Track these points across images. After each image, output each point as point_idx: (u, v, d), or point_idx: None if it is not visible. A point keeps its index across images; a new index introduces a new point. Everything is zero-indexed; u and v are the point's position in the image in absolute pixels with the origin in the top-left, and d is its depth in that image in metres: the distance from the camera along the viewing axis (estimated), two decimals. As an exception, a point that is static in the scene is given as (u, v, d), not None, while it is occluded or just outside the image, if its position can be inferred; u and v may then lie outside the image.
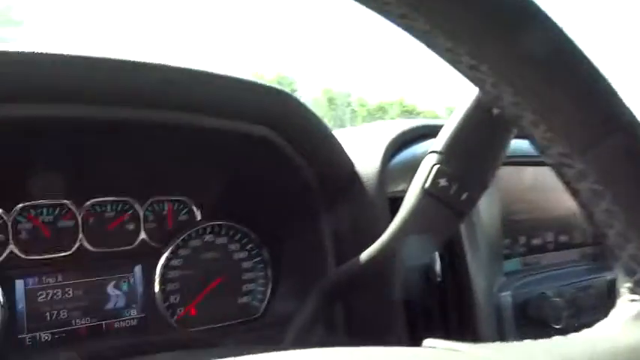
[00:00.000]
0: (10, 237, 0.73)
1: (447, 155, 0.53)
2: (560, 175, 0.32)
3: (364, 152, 0.80)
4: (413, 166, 0.68)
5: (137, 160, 0.77)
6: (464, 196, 0.52)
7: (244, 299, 0.90)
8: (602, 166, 0.30)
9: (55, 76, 0.53)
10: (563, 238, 0.99)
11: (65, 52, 0.54)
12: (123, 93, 0.57)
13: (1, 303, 0.70)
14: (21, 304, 0.73)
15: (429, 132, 0.88)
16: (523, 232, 0.91)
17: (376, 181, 0.77)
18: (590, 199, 0.31)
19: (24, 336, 0.73)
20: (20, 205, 0.74)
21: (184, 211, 0.88)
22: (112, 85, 0.56)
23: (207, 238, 0.89)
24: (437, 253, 0.76)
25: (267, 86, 0.67)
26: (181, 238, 0.84)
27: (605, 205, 0.31)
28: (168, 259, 0.84)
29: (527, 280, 0.87)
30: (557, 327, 0.81)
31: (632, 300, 0.33)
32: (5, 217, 0.73)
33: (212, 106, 0.64)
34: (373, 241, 0.66)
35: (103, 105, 0.57)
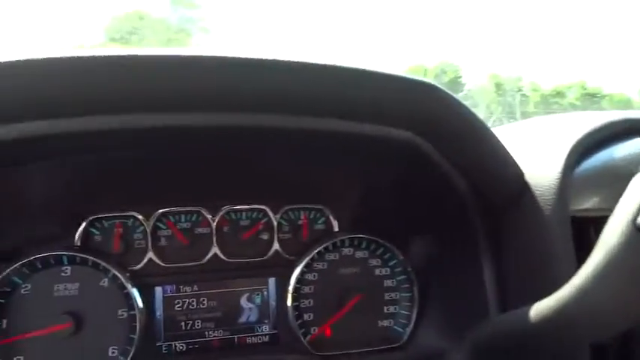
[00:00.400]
0: (150, 244, 0.73)
1: None
2: None
3: (539, 156, 0.62)
4: (610, 175, 0.49)
5: (273, 167, 0.70)
6: None
7: (385, 322, 0.79)
8: None
9: (197, 83, 0.48)
10: None
11: (209, 55, 0.48)
12: (262, 99, 0.50)
13: (141, 309, 0.70)
14: (159, 312, 0.73)
15: (632, 127, 0.66)
16: None
17: (555, 196, 0.58)
18: None
19: (161, 344, 0.72)
20: (159, 212, 0.74)
21: (320, 221, 0.80)
22: (252, 90, 0.49)
23: (346, 251, 0.80)
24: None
25: (415, 80, 0.54)
26: (317, 250, 0.77)
27: None
28: (302, 273, 0.77)
29: None
30: None
31: None
32: (145, 224, 0.73)
33: (351, 109, 0.53)
34: (549, 278, 0.50)
35: (241, 112, 0.51)
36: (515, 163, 0.61)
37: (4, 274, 0.66)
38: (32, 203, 0.65)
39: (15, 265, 0.66)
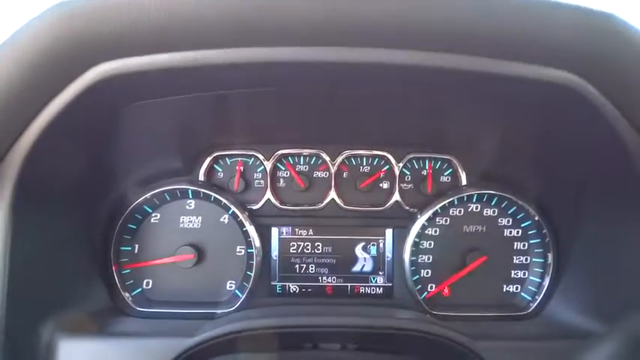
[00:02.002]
0: (269, 184, 0.72)
1: None
2: None
3: None
4: None
5: (400, 111, 0.64)
6: None
7: (512, 288, 0.72)
8: None
9: (346, 16, 0.43)
10: None
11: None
12: (404, 35, 0.44)
13: (258, 248, 0.71)
14: (275, 252, 0.73)
15: None
16: None
17: None
18: None
19: (275, 284, 0.73)
20: (280, 152, 0.72)
21: (447, 173, 0.73)
22: (392, 25, 0.43)
23: (473, 207, 0.73)
24: None
25: (594, 11, 0.43)
26: (441, 204, 0.71)
27: None
28: (423, 227, 0.71)
29: None
30: None
31: None
32: (265, 164, 0.72)
33: (511, 45, 0.45)
34: None
35: (372, 46, 0.45)
36: None
37: (137, 202, 0.70)
38: (164, 137, 0.67)
39: (146, 195, 0.70)
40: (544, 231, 0.70)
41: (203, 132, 0.69)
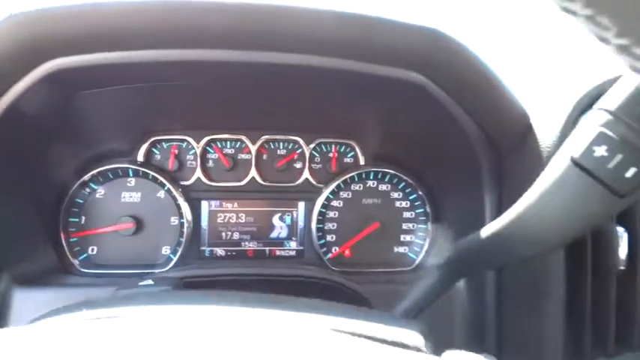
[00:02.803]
0: (199, 164, 0.85)
1: (620, 115, 0.39)
2: None
3: (547, 102, 0.66)
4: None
5: (308, 103, 0.79)
6: (630, 172, 0.39)
7: (401, 249, 0.88)
8: None
9: (240, 25, 0.57)
10: None
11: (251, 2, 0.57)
12: (291, 40, 0.58)
13: (190, 219, 0.83)
14: (204, 222, 0.86)
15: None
16: None
17: (557, 141, 0.63)
18: None
19: (204, 248, 0.86)
20: (208, 137, 0.85)
21: (350, 155, 0.89)
22: (287, 32, 0.58)
23: (370, 183, 0.88)
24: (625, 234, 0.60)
25: (420, 27, 0.59)
26: (343, 179, 0.86)
27: None
28: (328, 199, 0.86)
29: None
30: None
31: None
32: (196, 147, 0.85)
33: (365, 52, 0.60)
34: None
35: (276, 51, 0.59)
36: (522, 107, 0.65)
37: (83, 180, 0.81)
38: (107, 122, 0.79)
39: (92, 173, 0.81)
40: (427, 203, 0.87)
41: (142, 118, 0.82)
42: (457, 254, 0.52)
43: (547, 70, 0.74)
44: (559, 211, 0.42)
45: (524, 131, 0.65)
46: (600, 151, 0.40)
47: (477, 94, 0.63)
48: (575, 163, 0.41)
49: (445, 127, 0.71)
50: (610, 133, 0.39)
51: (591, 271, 0.60)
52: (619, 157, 0.39)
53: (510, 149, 0.68)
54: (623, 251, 0.60)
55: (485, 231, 0.48)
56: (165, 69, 0.61)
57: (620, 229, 0.61)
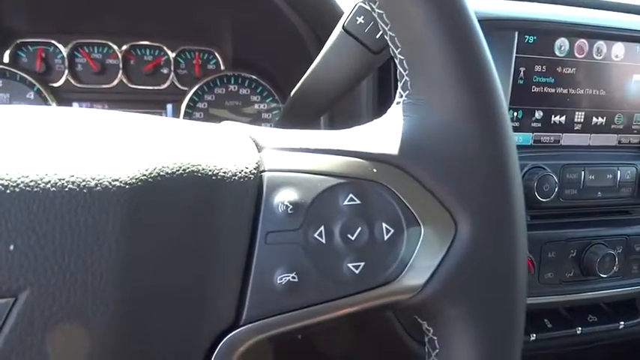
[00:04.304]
0: (67, 67, 0.91)
1: None
2: None
3: None
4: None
5: (170, 8, 0.88)
6: (379, 34, 0.54)
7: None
8: None
9: None
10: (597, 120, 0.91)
11: None
12: None
13: (61, 118, 0.90)
14: (76, 122, 0.93)
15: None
16: (541, 105, 0.86)
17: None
18: None
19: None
20: (75, 41, 0.91)
21: (212, 62, 0.99)
22: None
23: (231, 87, 1.00)
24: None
25: None
26: (205, 81, 0.97)
27: None
28: (194, 101, 0.97)
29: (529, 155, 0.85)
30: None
31: (397, 102, 0.36)
32: (63, 51, 0.91)
33: None
34: None
35: None
36: (338, 6, 0.79)
37: (-52, 80, 0.85)
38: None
39: (-45, 73, 0.85)
40: (281, 104, 1.01)
41: (7, 20, 0.86)
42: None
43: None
44: (334, 68, 0.58)
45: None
46: (360, 19, 0.55)
47: None
48: (345, 29, 0.55)
49: (279, 25, 0.83)
50: (365, 6, 0.54)
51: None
52: (372, 23, 0.54)
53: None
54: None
55: (295, 90, 0.62)
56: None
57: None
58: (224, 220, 0.30)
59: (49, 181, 0.27)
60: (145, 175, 0.29)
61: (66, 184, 0.27)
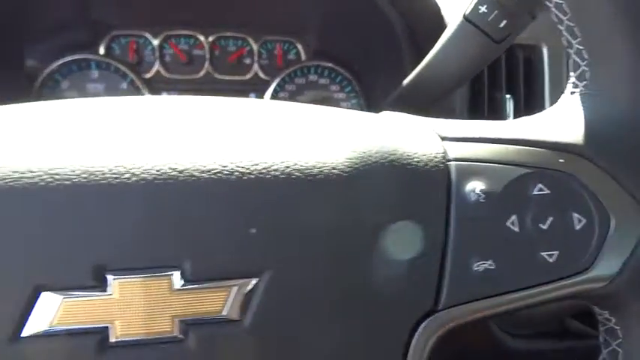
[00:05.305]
0: (157, 58, 0.94)
1: None
2: None
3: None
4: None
5: (254, 3, 0.89)
6: (502, 24, 0.54)
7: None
8: None
9: None
10: None
11: None
12: None
13: (152, 108, 0.93)
14: (165, 111, 0.96)
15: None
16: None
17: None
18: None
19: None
20: (165, 33, 0.94)
21: (293, 52, 1.01)
22: None
23: (311, 77, 1.01)
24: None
25: None
26: (287, 73, 0.98)
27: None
28: (276, 91, 0.99)
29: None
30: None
31: (572, 92, 0.36)
32: (154, 43, 0.94)
33: None
34: None
35: None
36: (435, 2, 0.80)
37: (49, 70, 0.88)
38: (69, 15, 0.85)
39: (57, 64, 0.88)
40: (360, 95, 1.02)
41: (103, 13, 0.89)
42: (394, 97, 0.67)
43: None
44: (454, 57, 0.58)
45: (438, 24, 0.81)
46: (483, 8, 0.55)
47: None
48: (466, 19, 0.56)
49: (372, 18, 0.84)
50: None
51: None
52: (495, 12, 0.54)
53: (426, 39, 0.83)
54: (510, 114, 0.79)
55: (410, 78, 0.63)
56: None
57: (508, 96, 0.79)
58: (420, 207, 0.32)
59: (278, 169, 0.29)
60: (356, 163, 0.30)
61: (293, 172, 0.29)
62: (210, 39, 0.96)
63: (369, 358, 0.31)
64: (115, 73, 0.92)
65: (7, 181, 0.26)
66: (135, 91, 0.93)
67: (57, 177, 0.26)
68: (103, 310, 0.26)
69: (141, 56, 0.94)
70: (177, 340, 0.26)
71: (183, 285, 0.26)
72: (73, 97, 0.92)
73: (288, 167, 0.29)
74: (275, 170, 0.28)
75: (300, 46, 1.00)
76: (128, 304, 0.26)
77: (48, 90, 0.89)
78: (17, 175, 0.26)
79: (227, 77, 0.98)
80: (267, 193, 0.28)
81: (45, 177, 0.26)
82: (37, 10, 0.81)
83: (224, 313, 0.27)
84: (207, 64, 0.96)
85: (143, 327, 0.26)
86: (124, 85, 0.93)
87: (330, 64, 1.00)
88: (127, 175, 0.27)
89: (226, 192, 0.27)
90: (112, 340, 0.26)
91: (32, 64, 0.87)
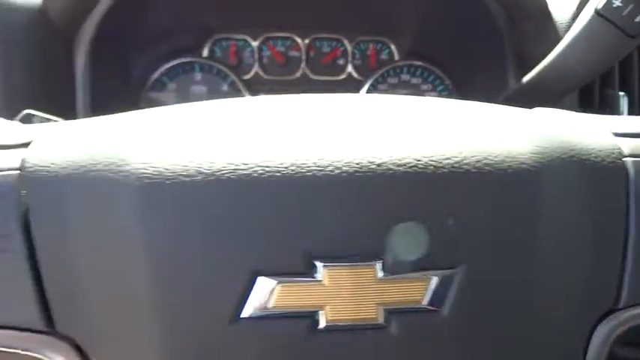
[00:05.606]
0: (256, 60, 0.97)
1: None
2: None
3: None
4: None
5: (348, 5, 0.91)
6: (638, 18, 0.52)
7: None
8: None
9: None
10: None
11: None
12: None
13: (250, 108, 0.97)
14: (262, 112, 0.99)
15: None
16: None
17: (571, 22, 0.76)
18: None
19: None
20: (264, 35, 0.97)
21: (386, 52, 1.01)
22: None
23: (404, 77, 1.01)
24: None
25: None
26: (380, 73, 0.99)
27: None
28: (369, 91, 1.00)
29: None
30: None
31: None
32: (253, 45, 0.97)
33: None
34: None
35: None
36: None
37: (157, 74, 0.94)
38: (173, 22, 0.90)
39: (165, 67, 0.93)
40: (452, 93, 1.01)
41: (205, 18, 0.93)
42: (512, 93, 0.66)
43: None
44: (585, 52, 0.57)
45: (543, 16, 0.79)
46: (617, 2, 0.53)
47: None
48: (598, 13, 0.54)
49: (473, 12, 0.83)
50: None
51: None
52: (630, 6, 0.53)
53: (531, 35, 0.81)
54: (624, 111, 0.76)
55: (532, 74, 0.62)
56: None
57: (621, 93, 0.76)
58: (600, 204, 0.31)
59: (469, 163, 0.29)
60: (542, 158, 0.30)
61: (484, 166, 0.29)
62: (307, 41, 0.98)
63: (551, 354, 0.31)
64: (216, 75, 0.96)
65: (224, 172, 0.28)
66: (235, 92, 0.97)
67: (267, 169, 0.28)
68: (314, 295, 0.27)
69: (240, 58, 0.98)
70: (380, 327, 0.28)
71: (384, 275, 0.28)
72: (178, 99, 0.98)
73: (479, 161, 0.29)
74: (467, 164, 0.29)
75: (393, 46, 1.00)
76: (337, 291, 0.27)
77: (155, 93, 0.94)
78: (232, 167, 0.28)
79: (322, 78, 0.99)
80: (461, 186, 0.29)
81: (257, 169, 0.28)
82: (143, 21, 0.86)
83: (423, 303, 0.28)
84: (303, 65, 0.99)
85: (351, 313, 0.27)
86: (225, 87, 0.97)
87: (421, 63, 1.00)
88: (330, 168, 0.28)
89: (423, 185, 0.28)
90: (322, 324, 0.27)
91: (139, 73, 0.92)
